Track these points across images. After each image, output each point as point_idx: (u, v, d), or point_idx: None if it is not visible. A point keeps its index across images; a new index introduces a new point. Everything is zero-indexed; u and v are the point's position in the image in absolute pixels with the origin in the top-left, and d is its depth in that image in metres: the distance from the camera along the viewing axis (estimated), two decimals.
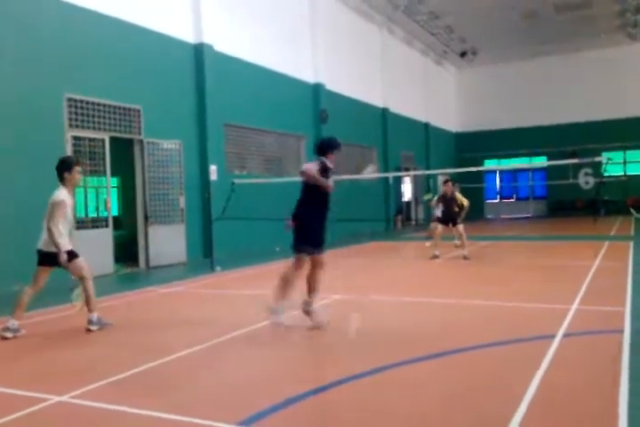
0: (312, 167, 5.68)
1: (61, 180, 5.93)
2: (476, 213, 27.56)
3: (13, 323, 5.70)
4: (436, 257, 11.40)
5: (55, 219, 5.71)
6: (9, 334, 5.62)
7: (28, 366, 4.68)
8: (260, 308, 5.81)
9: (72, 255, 5.86)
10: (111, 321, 6.04)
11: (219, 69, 13.08)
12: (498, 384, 3.85)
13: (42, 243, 5.86)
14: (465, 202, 12.43)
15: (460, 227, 11.60)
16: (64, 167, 5.93)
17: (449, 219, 11.75)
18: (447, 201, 11.87)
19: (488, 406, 3.44)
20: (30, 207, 9.05)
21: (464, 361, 4.41)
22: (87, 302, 5.93)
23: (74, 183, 6.01)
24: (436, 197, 12.58)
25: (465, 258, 11.15)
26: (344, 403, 3.60)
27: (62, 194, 5.84)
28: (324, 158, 5.78)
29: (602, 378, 3.88)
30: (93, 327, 5.84)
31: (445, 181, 12.31)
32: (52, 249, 5.77)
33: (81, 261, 5.97)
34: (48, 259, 5.83)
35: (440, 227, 11.87)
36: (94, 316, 5.89)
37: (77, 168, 5.99)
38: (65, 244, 5.78)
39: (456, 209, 11.85)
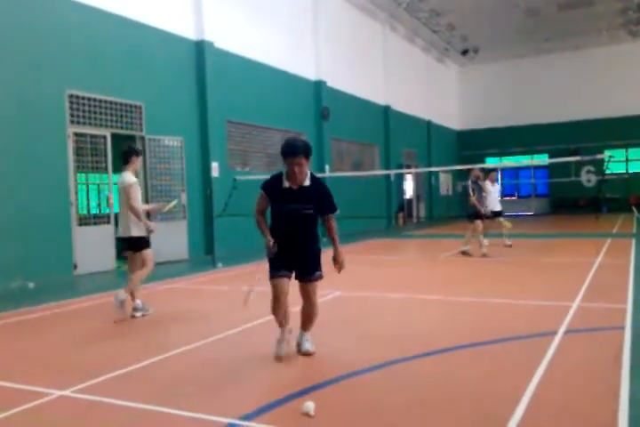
0: (258, 199, 4.57)
1: (126, 163, 6.44)
2: None
3: (138, 303, 6.29)
4: (466, 253, 11.05)
5: (135, 199, 6.21)
6: (138, 314, 6.25)
7: (30, 360, 4.69)
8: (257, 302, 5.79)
9: (146, 244, 6.36)
10: (152, 309, 6.45)
11: (220, 66, 13.07)
12: (498, 381, 3.85)
13: (121, 230, 6.37)
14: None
15: (479, 222, 11.17)
16: (134, 151, 6.54)
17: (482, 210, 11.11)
18: (480, 187, 11.16)
19: (487, 404, 3.43)
20: (31, 203, 9.08)
21: (464, 358, 4.40)
22: (132, 291, 6.31)
23: (135, 168, 6.54)
24: (469, 185, 11.35)
25: (463, 253, 11.08)
26: (343, 400, 3.60)
27: (131, 176, 6.35)
28: (283, 171, 4.55)
29: (603, 375, 3.87)
30: (137, 314, 6.27)
31: (471, 169, 11.68)
32: (129, 234, 6.28)
33: (151, 252, 6.47)
34: (130, 243, 6.35)
35: (479, 222, 11.10)
36: (137, 303, 6.30)
37: (140, 157, 6.71)
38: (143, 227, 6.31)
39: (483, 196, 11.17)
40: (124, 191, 6.26)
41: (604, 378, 3.80)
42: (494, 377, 3.93)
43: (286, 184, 4.47)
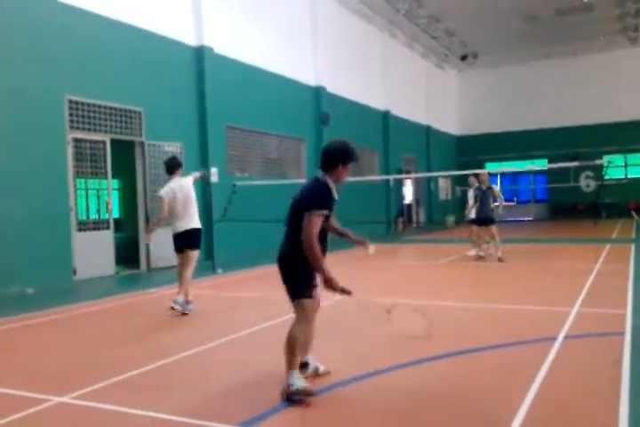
0: (314, 223, 3.70)
1: (174, 173, 7.09)
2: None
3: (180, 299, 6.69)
4: (481, 258, 11.18)
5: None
6: (178, 307, 6.62)
7: (29, 367, 4.68)
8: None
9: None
10: (193, 307, 6.80)
11: (219, 72, 13.10)
12: (499, 386, 3.84)
13: (188, 223, 7.08)
14: (500, 196, 11.42)
15: (494, 228, 11.15)
16: (179, 165, 7.21)
17: (484, 217, 11.15)
18: (483, 194, 11.18)
19: (489, 408, 3.43)
20: (31, 209, 9.07)
21: (465, 363, 4.40)
22: (180, 285, 6.86)
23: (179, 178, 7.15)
24: (470, 194, 11.76)
25: (500, 260, 10.95)
26: (344, 404, 3.59)
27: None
28: (326, 178, 3.90)
29: (603, 381, 3.87)
30: (177, 306, 6.61)
31: (476, 175, 11.69)
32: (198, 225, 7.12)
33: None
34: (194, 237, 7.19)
35: (475, 227, 11.47)
36: (180, 298, 6.67)
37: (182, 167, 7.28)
38: None
39: (492, 205, 11.14)
40: (189, 192, 7.03)
41: (605, 383, 3.80)
42: (496, 381, 3.92)
43: (335, 195, 3.95)
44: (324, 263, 3.73)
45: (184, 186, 7.06)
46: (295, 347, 3.78)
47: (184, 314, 6.64)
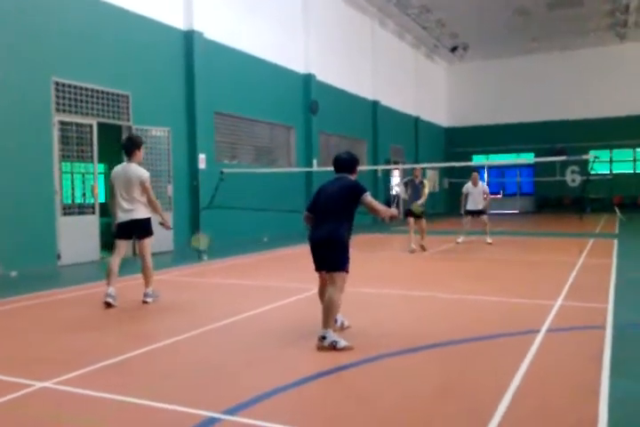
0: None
1: (131, 155, 6.38)
2: None
3: (112, 290, 6.28)
4: (413, 251, 11.39)
5: (152, 190, 6.41)
6: (110, 300, 6.23)
7: (11, 351, 4.64)
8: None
9: (150, 232, 6.64)
10: (159, 293, 6.69)
11: (209, 57, 12.97)
12: (482, 377, 3.88)
13: (129, 214, 6.40)
14: (426, 189, 11.84)
15: (423, 221, 11.59)
16: (136, 144, 6.41)
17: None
18: (414, 186, 11.63)
19: (472, 399, 3.46)
20: (15, 192, 8.96)
21: (448, 355, 4.43)
22: (145, 277, 6.58)
23: (139, 160, 6.46)
24: (400, 186, 12.31)
25: (422, 248, 11.53)
26: (330, 393, 3.61)
27: (144, 169, 6.42)
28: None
29: (584, 373, 3.92)
30: (149, 299, 6.48)
31: (414, 169, 12.52)
32: (144, 215, 6.48)
33: (152, 239, 6.70)
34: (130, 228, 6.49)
35: (412, 220, 11.57)
36: (150, 290, 6.56)
37: (142, 147, 6.55)
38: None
39: (422, 198, 11.52)
40: (141, 185, 6.30)
41: (585, 376, 3.85)
42: (479, 373, 3.96)
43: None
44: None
45: (138, 177, 6.30)
46: (336, 310, 4.60)
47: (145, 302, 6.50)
